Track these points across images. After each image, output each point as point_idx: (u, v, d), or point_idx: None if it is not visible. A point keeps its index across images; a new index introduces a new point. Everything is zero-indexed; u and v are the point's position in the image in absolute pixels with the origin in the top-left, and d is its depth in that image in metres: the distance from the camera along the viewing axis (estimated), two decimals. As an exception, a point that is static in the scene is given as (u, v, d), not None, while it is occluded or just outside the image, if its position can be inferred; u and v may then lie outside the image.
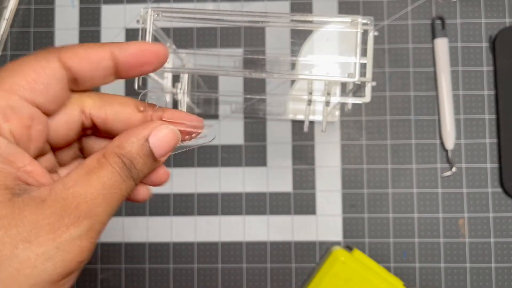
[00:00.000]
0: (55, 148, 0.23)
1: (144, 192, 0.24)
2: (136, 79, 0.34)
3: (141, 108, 0.22)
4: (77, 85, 0.22)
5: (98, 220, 0.19)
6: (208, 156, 0.46)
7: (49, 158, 0.23)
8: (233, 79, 0.47)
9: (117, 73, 0.22)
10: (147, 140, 0.21)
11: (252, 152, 0.46)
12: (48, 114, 0.21)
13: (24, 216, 0.18)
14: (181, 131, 0.23)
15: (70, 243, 0.18)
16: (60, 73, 0.20)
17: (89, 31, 0.48)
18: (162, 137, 0.21)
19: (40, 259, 0.18)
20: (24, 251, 0.18)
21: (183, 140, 0.23)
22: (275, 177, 0.46)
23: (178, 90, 0.37)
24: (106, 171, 0.20)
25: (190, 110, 0.46)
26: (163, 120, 0.22)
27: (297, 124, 0.46)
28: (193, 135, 0.24)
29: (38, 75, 0.20)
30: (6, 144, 0.19)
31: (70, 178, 0.20)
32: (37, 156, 0.22)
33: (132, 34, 0.48)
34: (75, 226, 0.19)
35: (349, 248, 0.44)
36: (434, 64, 0.46)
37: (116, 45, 0.22)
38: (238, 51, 0.47)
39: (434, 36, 0.46)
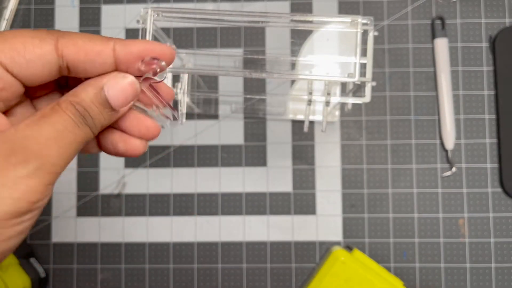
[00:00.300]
0: (34, 96, 0.23)
1: (138, 144, 0.24)
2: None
3: (142, 68, 0.22)
4: (69, 73, 0.22)
5: (48, 161, 0.19)
6: (208, 156, 0.46)
7: (25, 107, 0.23)
8: (233, 79, 0.47)
9: (117, 69, 0.22)
10: (102, 88, 0.21)
11: (252, 152, 0.46)
12: (25, 85, 0.21)
13: None
14: (146, 100, 0.23)
15: (16, 181, 0.19)
16: (50, 57, 0.21)
17: (89, 31, 0.48)
18: (118, 86, 0.21)
19: None
20: None
21: (145, 105, 0.23)
22: (275, 177, 0.46)
23: (178, 90, 0.37)
24: (58, 116, 0.20)
25: (190, 110, 0.46)
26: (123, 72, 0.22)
27: (297, 124, 0.46)
28: (154, 107, 0.24)
29: (24, 50, 0.20)
30: None
31: (23, 123, 0.20)
32: (11, 108, 0.22)
33: (132, 34, 0.48)
34: (22, 166, 0.19)
35: (349, 248, 0.44)
36: (434, 64, 0.46)
37: (119, 41, 0.22)
38: (238, 51, 0.47)
39: (434, 36, 0.46)
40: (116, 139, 0.23)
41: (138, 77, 0.22)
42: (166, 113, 0.24)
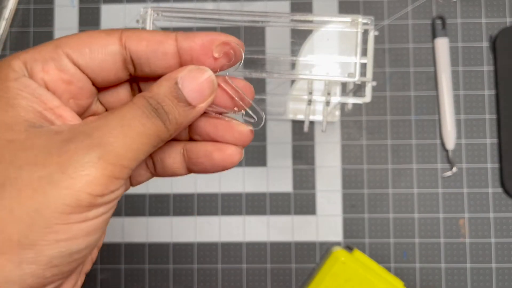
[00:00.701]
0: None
1: (234, 151, 0.22)
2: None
3: (216, 53, 0.21)
4: (135, 68, 0.21)
5: (112, 150, 0.18)
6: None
7: None
8: (233, 79, 0.47)
9: (182, 63, 0.21)
10: (176, 82, 0.20)
11: (252, 152, 0.46)
12: (92, 80, 0.21)
13: (34, 141, 0.18)
14: (223, 93, 0.22)
15: (76, 169, 0.17)
16: (113, 47, 0.20)
17: (89, 31, 0.48)
18: (193, 79, 0.20)
19: (42, 182, 0.17)
20: (28, 172, 0.17)
21: (225, 108, 0.22)
22: (275, 177, 0.46)
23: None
24: (128, 108, 0.19)
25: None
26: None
27: (297, 124, 0.46)
28: (235, 108, 0.22)
29: (90, 42, 0.20)
30: (37, 86, 0.19)
31: (92, 117, 0.19)
32: (87, 114, 0.22)
33: (132, 34, 0.48)
34: (84, 152, 0.17)
35: (349, 248, 0.44)
36: (434, 64, 0.46)
37: (182, 33, 0.21)
38: (238, 51, 0.47)
39: (434, 35, 0.46)
40: (209, 149, 0.22)
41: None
42: (248, 113, 0.23)
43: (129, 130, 0.19)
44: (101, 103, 0.23)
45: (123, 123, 0.19)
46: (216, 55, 0.21)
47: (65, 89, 0.20)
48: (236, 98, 0.22)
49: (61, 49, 0.20)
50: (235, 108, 0.22)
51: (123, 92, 0.23)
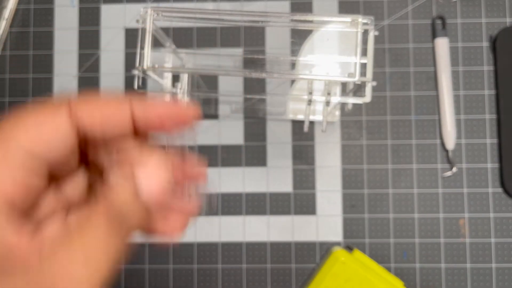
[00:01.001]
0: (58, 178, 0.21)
1: (178, 221, 0.23)
2: (136, 78, 0.34)
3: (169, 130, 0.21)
4: (87, 137, 0.20)
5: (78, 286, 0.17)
6: (208, 156, 0.46)
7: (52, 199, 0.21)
8: (233, 79, 0.47)
9: (135, 132, 0.20)
10: (138, 188, 0.19)
11: (252, 152, 0.46)
12: (52, 169, 0.19)
13: None
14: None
15: None
16: (65, 127, 0.19)
17: (89, 31, 0.48)
18: (151, 183, 0.19)
19: None
20: None
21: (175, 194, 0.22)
22: (275, 177, 0.46)
23: (178, 90, 0.37)
24: (90, 230, 0.18)
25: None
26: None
27: (297, 124, 0.46)
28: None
29: (40, 128, 0.19)
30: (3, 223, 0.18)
31: (49, 249, 0.18)
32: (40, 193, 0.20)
33: (131, 34, 0.48)
34: None
35: (349, 248, 0.44)
36: (434, 64, 0.46)
37: (137, 100, 0.20)
38: (238, 51, 0.47)
39: (434, 35, 0.46)
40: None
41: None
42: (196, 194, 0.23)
43: (94, 260, 0.18)
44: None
45: (87, 255, 0.18)
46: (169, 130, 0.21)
47: (25, 198, 0.18)
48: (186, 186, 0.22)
49: (15, 151, 0.18)
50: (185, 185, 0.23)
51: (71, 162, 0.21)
